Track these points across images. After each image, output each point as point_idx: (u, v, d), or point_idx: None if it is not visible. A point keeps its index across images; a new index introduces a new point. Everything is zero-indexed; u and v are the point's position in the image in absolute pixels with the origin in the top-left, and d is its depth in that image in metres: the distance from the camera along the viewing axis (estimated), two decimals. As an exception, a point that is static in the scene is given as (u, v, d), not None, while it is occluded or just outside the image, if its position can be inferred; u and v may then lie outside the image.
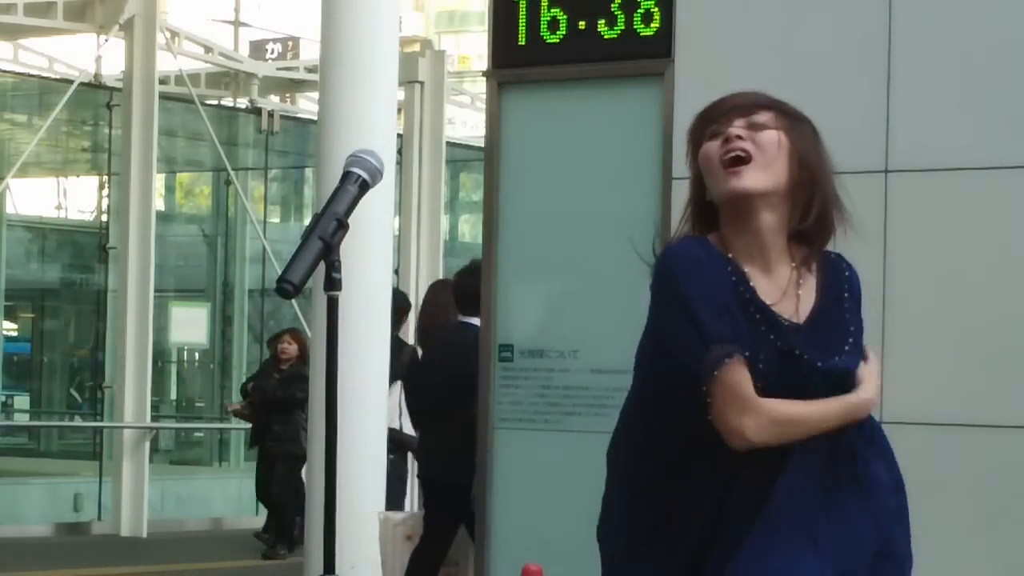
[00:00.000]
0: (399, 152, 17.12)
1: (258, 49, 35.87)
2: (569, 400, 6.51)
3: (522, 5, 6.54)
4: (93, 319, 20.03)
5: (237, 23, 35.24)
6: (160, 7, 17.79)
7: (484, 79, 6.88)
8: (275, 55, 35.70)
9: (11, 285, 20.60)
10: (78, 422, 21.67)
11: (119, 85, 17.23)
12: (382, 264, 8.82)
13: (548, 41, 6.50)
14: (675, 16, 6.28)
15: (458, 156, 21.35)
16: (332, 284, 2.82)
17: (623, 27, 6.37)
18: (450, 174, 20.80)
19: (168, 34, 17.65)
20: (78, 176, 23.48)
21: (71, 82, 17.34)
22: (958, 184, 5.80)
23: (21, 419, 22.86)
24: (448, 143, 19.45)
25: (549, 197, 6.70)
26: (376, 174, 2.94)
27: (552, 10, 6.49)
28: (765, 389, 2.98)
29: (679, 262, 3.06)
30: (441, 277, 18.72)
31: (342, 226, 2.83)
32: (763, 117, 3.06)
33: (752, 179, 3.00)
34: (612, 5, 6.39)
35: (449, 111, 20.30)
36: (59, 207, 23.79)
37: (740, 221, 3.03)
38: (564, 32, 6.47)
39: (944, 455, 5.74)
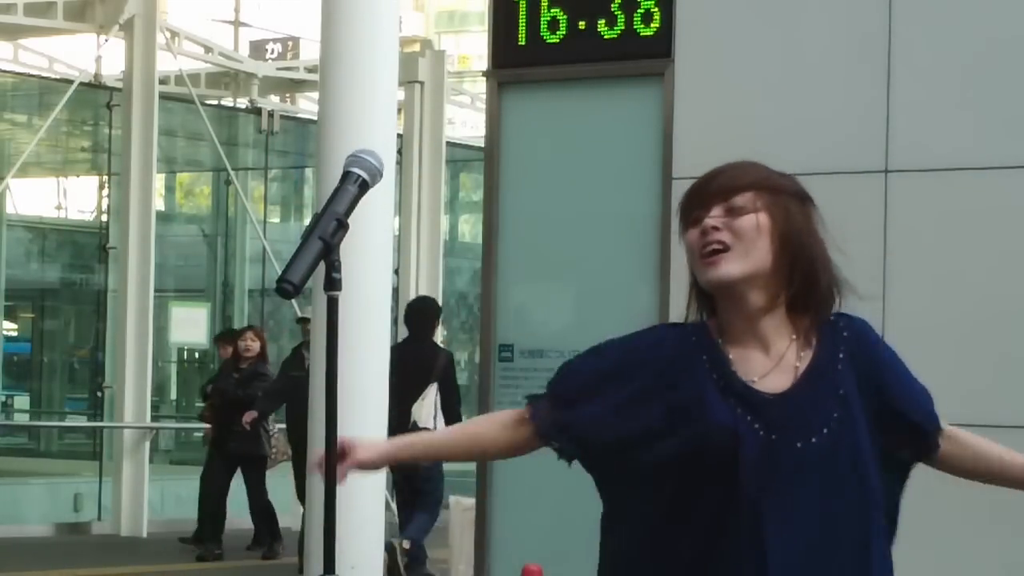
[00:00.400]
0: (399, 152, 17.12)
1: (258, 49, 35.86)
2: (569, 400, 6.51)
3: (522, 5, 6.54)
4: (93, 319, 20.02)
5: (237, 23, 35.24)
6: (160, 7, 17.79)
7: (484, 79, 6.88)
8: (275, 55, 35.70)
9: (11, 285, 20.61)
10: (78, 422, 21.67)
11: (119, 85, 17.23)
12: (382, 264, 8.81)
13: (548, 41, 6.50)
14: (675, 16, 6.28)
15: (458, 156, 21.34)
16: (332, 284, 2.81)
17: (623, 27, 6.37)
18: (450, 174, 20.79)
19: (168, 34, 17.65)
20: (78, 176, 23.49)
21: (71, 82, 17.34)
22: (958, 184, 5.80)
23: (21, 419, 22.86)
24: (448, 143, 19.45)
25: (549, 197, 6.71)
26: (376, 174, 2.93)
27: (552, 10, 6.49)
28: (759, 477, 2.93)
29: (639, 338, 3.14)
30: (441, 277, 18.85)
31: (342, 226, 2.83)
32: (742, 199, 3.02)
33: (728, 268, 2.98)
34: (612, 5, 6.38)
35: (449, 111, 20.29)
36: (59, 207, 23.79)
37: (732, 303, 3.03)
38: (564, 32, 6.47)
39: (944, 455, 5.74)
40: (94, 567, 12.83)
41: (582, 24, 6.44)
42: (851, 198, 5.88)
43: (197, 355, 22.06)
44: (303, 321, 12.73)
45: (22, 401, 22.95)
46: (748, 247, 2.98)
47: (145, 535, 15.34)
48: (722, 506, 2.93)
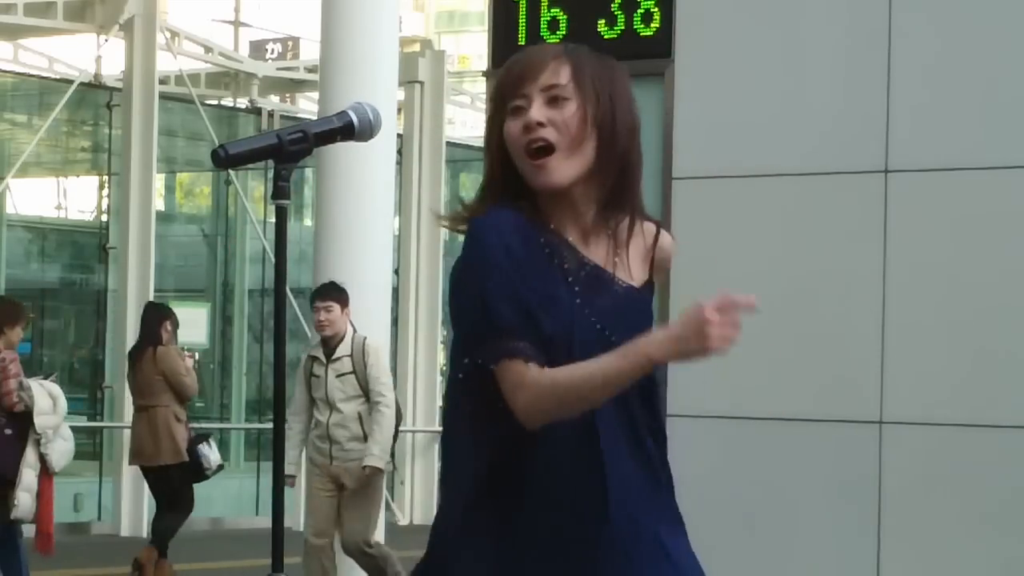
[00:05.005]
0: (399, 152, 17.12)
1: (258, 49, 35.87)
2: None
3: (522, 5, 6.54)
4: (93, 319, 20.02)
5: (237, 23, 35.23)
6: (160, 7, 17.80)
7: (484, 79, 6.88)
8: (275, 55, 35.70)
9: (11, 285, 20.59)
10: (78, 422, 21.67)
11: (119, 85, 17.24)
12: (382, 264, 8.82)
13: (548, 41, 6.50)
14: (675, 16, 6.28)
15: (458, 156, 21.34)
16: (279, 192, 2.78)
17: (623, 27, 6.37)
18: (450, 174, 20.79)
19: (168, 34, 17.65)
20: (78, 176, 23.47)
21: (71, 82, 17.35)
22: (958, 184, 5.80)
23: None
24: (448, 143, 19.45)
25: (549, 197, 6.70)
26: (368, 127, 2.90)
27: (552, 10, 6.49)
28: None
29: (486, 234, 2.83)
30: (441, 277, 18.85)
31: (305, 139, 2.80)
32: (564, 88, 2.84)
33: (559, 173, 2.83)
34: (612, 5, 6.38)
35: (449, 111, 20.29)
36: (59, 207, 23.78)
37: (556, 200, 2.88)
38: (564, 32, 6.47)
39: (944, 455, 5.74)
40: (94, 567, 12.83)
41: (582, 24, 6.44)
42: (851, 198, 5.89)
43: (197, 355, 22.04)
44: None
45: (22, 401, 22.89)
46: (574, 144, 2.84)
47: (145, 535, 15.33)
48: None
